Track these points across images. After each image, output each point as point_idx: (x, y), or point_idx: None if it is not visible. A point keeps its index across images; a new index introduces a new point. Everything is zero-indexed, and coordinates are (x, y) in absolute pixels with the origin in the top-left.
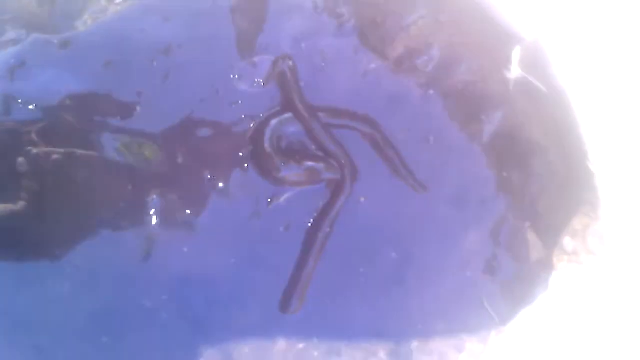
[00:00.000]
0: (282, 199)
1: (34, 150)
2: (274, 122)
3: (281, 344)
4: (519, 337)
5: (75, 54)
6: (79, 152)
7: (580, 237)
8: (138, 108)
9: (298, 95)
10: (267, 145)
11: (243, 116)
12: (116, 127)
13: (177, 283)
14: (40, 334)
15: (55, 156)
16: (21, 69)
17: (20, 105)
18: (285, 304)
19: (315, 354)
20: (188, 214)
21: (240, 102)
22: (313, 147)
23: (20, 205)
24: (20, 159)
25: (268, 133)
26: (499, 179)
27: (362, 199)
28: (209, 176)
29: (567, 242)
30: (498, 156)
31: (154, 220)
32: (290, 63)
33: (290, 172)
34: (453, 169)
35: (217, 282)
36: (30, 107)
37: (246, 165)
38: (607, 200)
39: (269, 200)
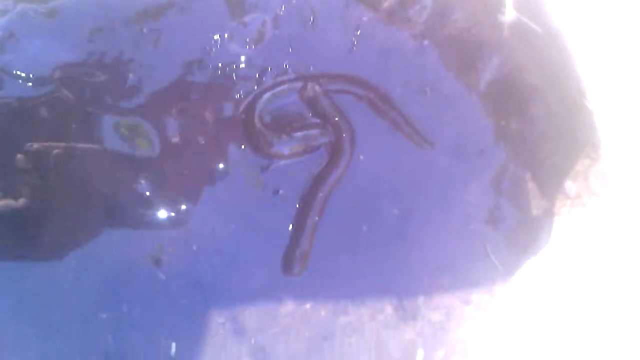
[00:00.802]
0: (281, 163)
1: (35, 146)
2: (265, 96)
3: (288, 305)
4: (525, 286)
5: (63, 22)
6: (80, 146)
7: (582, 180)
8: (130, 75)
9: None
10: (257, 121)
11: (236, 83)
12: (108, 96)
13: (182, 252)
14: (48, 310)
15: (56, 151)
16: (9, 41)
17: (12, 78)
18: (287, 267)
19: (322, 313)
20: (186, 187)
21: (233, 65)
22: (309, 114)
23: (21, 201)
24: (20, 155)
25: (258, 108)
26: (498, 128)
27: (361, 157)
28: (205, 149)
29: (569, 186)
30: (495, 104)
31: (154, 200)
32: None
33: (284, 146)
34: (451, 120)
35: (221, 249)
36: (21, 79)
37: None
38: (607, 139)
39: (267, 165)
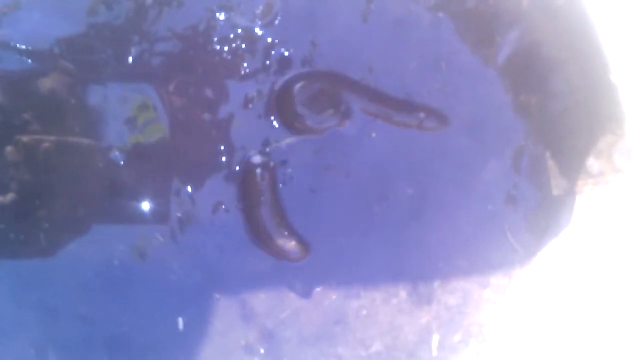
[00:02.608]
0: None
1: (24, 139)
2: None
3: (298, 288)
4: (545, 268)
5: None
6: (71, 139)
7: (606, 157)
8: (132, 49)
9: None
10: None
11: (242, 57)
12: (110, 71)
13: (186, 231)
14: (46, 291)
15: (46, 144)
16: (8, 14)
17: (10, 52)
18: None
19: (334, 297)
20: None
21: (238, 39)
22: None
23: (10, 197)
24: (9, 148)
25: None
26: (517, 104)
27: (374, 134)
28: (208, 130)
29: (592, 163)
30: (514, 79)
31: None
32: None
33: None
34: (468, 97)
35: (229, 229)
36: (20, 53)
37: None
38: (632, 114)
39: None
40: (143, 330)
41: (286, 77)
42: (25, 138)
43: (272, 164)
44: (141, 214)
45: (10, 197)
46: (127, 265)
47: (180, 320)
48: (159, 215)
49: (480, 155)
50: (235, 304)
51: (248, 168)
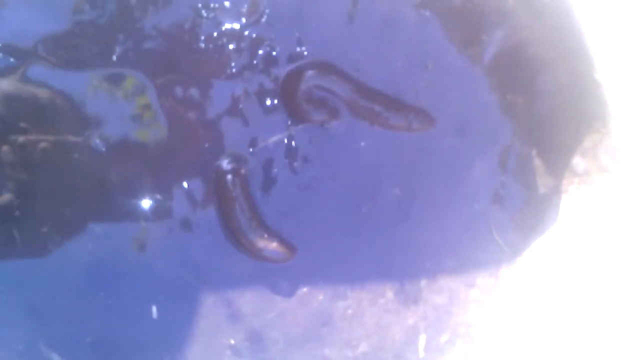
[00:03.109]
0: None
1: (20, 139)
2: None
3: (284, 288)
4: (531, 268)
5: None
6: (69, 139)
7: (591, 155)
8: (116, 48)
9: None
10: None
11: (229, 56)
12: (97, 69)
13: (173, 232)
14: (34, 291)
15: (43, 144)
16: None
17: None
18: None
19: (320, 297)
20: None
21: (225, 37)
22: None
23: (6, 197)
24: (5, 148)
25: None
26: (503, 103)
27: (362, 143)
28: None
29: (578, 162)
30: (501, 78)
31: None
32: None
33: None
34: (454, 96)
35: (214, 230)
36: (2, 52)
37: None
38: (618, 113)
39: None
40: (130, 330)
41: (272, 75)
42: (21, 138)
43: (243, 170)
44: (131, 214)
45: (6, 197)
46: (115, 266)
47: (154, 309)
48: (148, 216)
49: (467, 155)
50: (221, 305)
51: (219, 174)
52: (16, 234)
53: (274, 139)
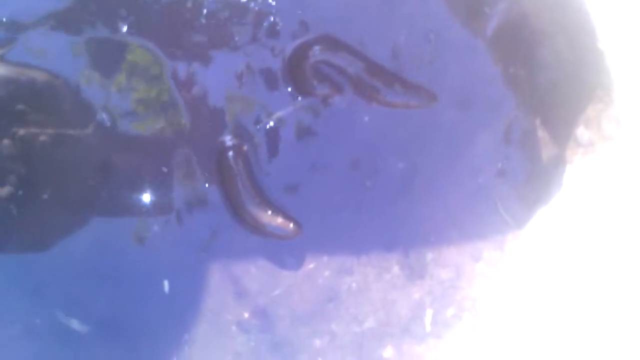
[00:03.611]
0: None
1: (21, 132)
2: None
3: (290, 264)
4: (536, 240)
5: None
6: (69, 131)
7: (595, 125)
8: (119, 24)
9: None
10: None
11: (232, 28)
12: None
13: (178, 210)
14: (39, 276)
15: (42, 137)
16: None
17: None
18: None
19: (327, 273)
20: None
21: (228, 9)
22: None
23: (6, 190)
24: (6, 141)
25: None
26: (506, 76)
27: (366, 118)
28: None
29: (581, 132)
30: (503, 51)
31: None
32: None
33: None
34: (457, 70)
35: (219, 207)
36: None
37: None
38: (620, 80)
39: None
40: (136, 309)
41: (277, 50)
42: (22, 131)
43: (245, 147)
44: (135, 193)
45: (6, 190)
46: (120, 246)
47: (166, 283)
48: (152, 195)
49: (470, 128)
50: (227, 282)
51: (221, 151)
52: (18, 228)
53: (278, 114)
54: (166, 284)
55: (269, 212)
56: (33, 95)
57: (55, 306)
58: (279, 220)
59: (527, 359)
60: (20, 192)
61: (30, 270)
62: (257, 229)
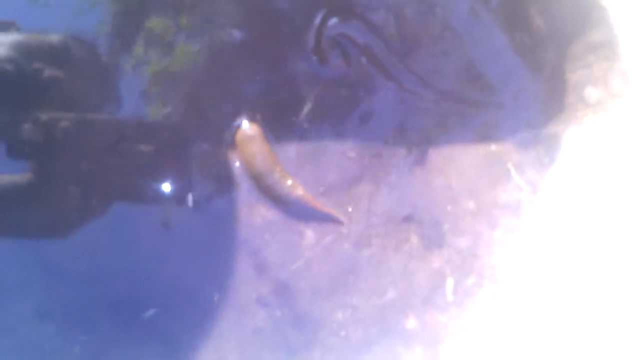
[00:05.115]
0: None
1: (43, 117)
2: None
3: (309, 237)
4: (552, 204)
5: None
6: (90, 116)
7: (602, 83)
8: None
9: None
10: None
11: None
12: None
13: (193, 184)
14: (50, 251)
15: (64, 123)
16: None
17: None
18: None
19: (346, 245)
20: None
21: None
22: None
23: (26, 177)
24: (27, 126)
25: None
26: (513, 44)
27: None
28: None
29: (589, 92)
30: (509, 19)
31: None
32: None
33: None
34: (464, 42)
35: (237, 180)
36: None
37: None
38: (625, 35)
39: None
40: (150, 290)
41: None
42: (44, 116)
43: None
44: (151, 172)
45: (26, 177)
46: (133, 223)
47: (190, 197)
48: (168, 173)
49: (481, 97)
50: (246, 257)
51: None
52: (34, 214)
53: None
54: (190, 197)
55: (289, 183)
56: (50, 56)
57: (70, 289)
58: (300, 190)
59: (548, 325)
60: (39, 178)
61: (46, 254)
62: (278, 200)
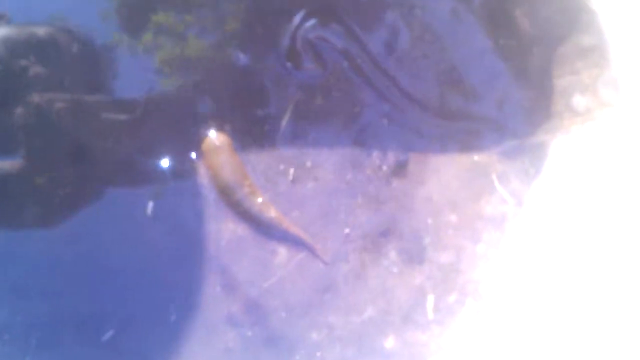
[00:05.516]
0: None
1: (36, 99)
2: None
3: (282, 253)
4: (537, 217)
5: None
6: (86, 98)
7: (591, 91)
8: None
9: None
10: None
11: None
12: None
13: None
14: (14, 266)
15: (58, 105)
16: None
17: None
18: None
19: (321, 262)
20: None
21: None
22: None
23: (18, 162)
24: (20, 109)
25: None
26: (497, 47)
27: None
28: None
29: (578, 100)
30: (492, 22)
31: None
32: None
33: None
34: (445, 45)
35: (205, 192)
36: None
37: None
38: (616, 41)
39: None
40: (117, 307)
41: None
42: (36, 98)
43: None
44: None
45: (17, 163)
46: (102, 237)
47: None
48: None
49: (464, 104)
50: (215, 274)
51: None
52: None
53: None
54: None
55: (260, 200)
56: (37, 51)
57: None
58: (272, 210)
59: (534, 343)
60: (34, 165)
61: (43, 244)
62: (247, 217)
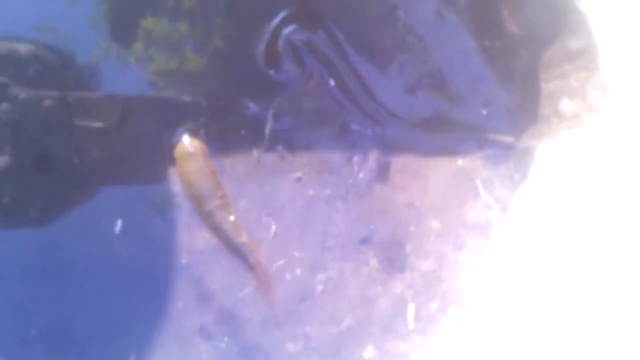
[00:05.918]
0: None
1: (22, 95)
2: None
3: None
4: (522, 224)
5: None
6: (75, 94)
7: (579, 96)
8: None
9: None
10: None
11: None
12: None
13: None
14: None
15: (47, 102)
16: None
17: None
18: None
19: (298, 270)
20: None
21: None
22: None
23: (4, 160)
24: (5, 105)
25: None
26: (482, 49)
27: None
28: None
29: (565, 105)
30: (477, 23)
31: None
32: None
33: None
34: (429, 46)
35: (178, 202)
36: None
37: None
38: (605, 44)
39: None
40: (86, 319)
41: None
42: (23, 94)
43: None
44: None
45: (2, 161)
46: (68, 250)
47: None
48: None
49: (448, 108)
50: (188, 284)
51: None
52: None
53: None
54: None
55: (232, 219)
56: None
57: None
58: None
59: (517, 352)
60: (21, 163)
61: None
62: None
